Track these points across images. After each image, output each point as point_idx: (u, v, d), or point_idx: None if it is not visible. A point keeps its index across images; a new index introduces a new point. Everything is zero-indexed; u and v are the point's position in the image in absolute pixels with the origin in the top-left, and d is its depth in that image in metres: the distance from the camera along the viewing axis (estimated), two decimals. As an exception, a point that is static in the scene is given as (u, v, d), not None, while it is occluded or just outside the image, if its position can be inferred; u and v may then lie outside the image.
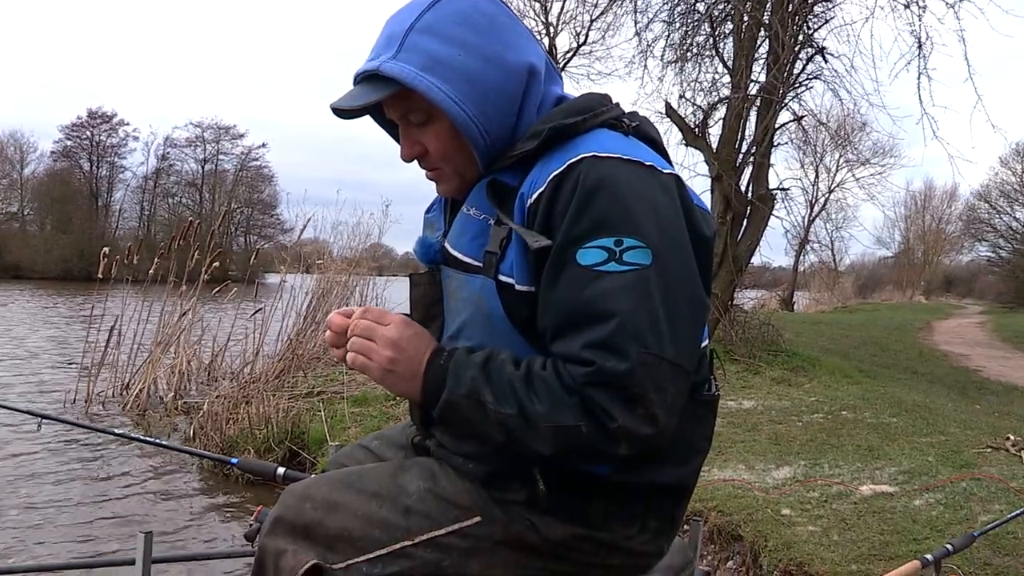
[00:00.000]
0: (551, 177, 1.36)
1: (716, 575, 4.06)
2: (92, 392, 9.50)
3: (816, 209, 35.45)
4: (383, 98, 1.43)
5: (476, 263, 1.46)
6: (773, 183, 11.33)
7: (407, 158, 1.52)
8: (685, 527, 2.12)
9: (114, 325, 9.89)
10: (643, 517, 1.47)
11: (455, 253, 1.51)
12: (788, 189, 11.81)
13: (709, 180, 10.98)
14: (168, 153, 55.82)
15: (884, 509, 4.44)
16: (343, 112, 1.50)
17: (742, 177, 11.03)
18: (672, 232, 1.34)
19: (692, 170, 12.08)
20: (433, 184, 1.58)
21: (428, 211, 1.70)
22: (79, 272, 40.99)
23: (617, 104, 1.52)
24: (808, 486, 4.86)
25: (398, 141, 1.56)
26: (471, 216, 1.49)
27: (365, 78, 1.44)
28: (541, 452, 1.33)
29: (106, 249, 10.20)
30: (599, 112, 1.45)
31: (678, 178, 1.42)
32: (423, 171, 1.55)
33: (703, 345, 1.50)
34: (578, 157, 1.35)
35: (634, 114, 1.51)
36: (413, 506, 1.49)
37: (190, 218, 11.28)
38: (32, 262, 44.57)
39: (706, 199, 10.92)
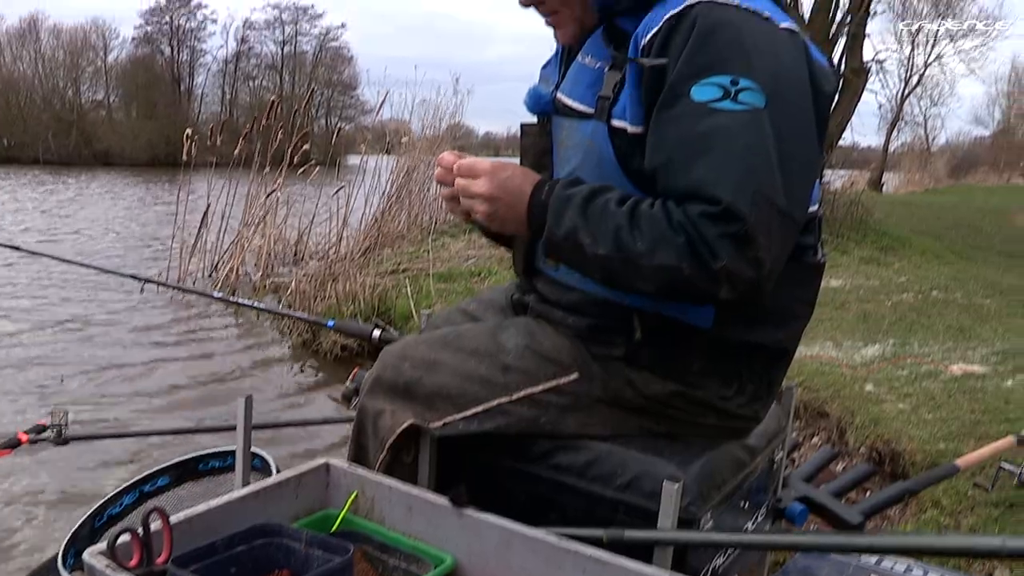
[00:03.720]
0: (667, 16, 1.33)
1: (801, 449, 4.06)
2: (184, 271, 9.78)
3: (911, 84, 33.96)
4: None
5: (588, 109, 1.44)
6: (867, 55, 10.85)
7: (526, 2, 1.51)
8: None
9: (207, 209, 10.10)
10: (740, 378, 1.46)
11: (568, 101, 1.49)
12: (884, 61, 11.30)
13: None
14: (247, 36, 55.82)
15: (975, 389, 4.36)
16: None
17: (835, 48, 10.56)
18: (788, 79, 1.31)
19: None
20: (552, 34, 1.57)
21: (544, 67, 1.69)
22: (165, 157, 41.74)
23: None
24: (897, 364, 4.78)
25: None
26: (586, 65, 1.47)
27: None
28: (643, 290, 1.32)
29: (188, 130, 10.32)
30: None
31: (796, 32, 1.37)
32: (542, 19, 1.54)
33: (813, 209, 1.45)
34: (695, 0, 1.32)
35: None
36: (511, 363, 1.50)
37: (272, 99, 11.32)
38: (120, 149, 45.52)
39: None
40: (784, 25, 1.36)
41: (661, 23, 1.34)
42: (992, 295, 7.19)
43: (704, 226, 1.23)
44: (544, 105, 1.56)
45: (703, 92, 1.27)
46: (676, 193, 1.29)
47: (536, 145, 1.57)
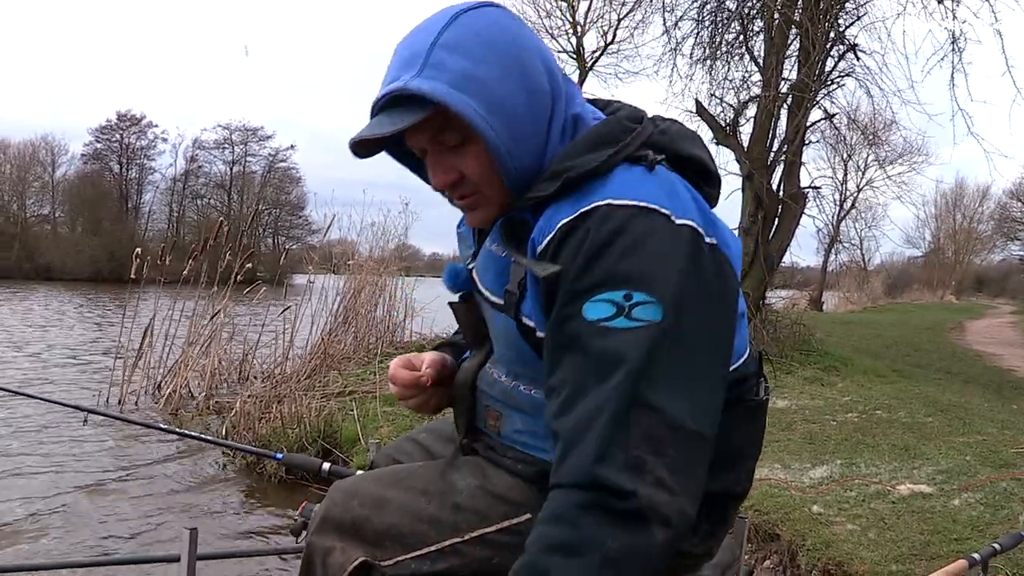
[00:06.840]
0: (561, 224, 1.28)
1: (755, 575, 4.02)
2: (126, 392, 9.57)
3: (846, 208, 35.25)
4: (420, 120, 1.28)
5: (499, 300, 1.40)
6: (804, 181, 11.26)
7: (441, 186, 1.39)
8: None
9: (148, 326, 9.96)
10: (696, 522, 1.44)
11: (480, 287, 1.46)
12: (820, 187, 11.73)
13: (740, 179, 10.93)
14: (196, 155, 56.31)
15: (923, 509, 4.39)
16: (363, 147, 1.37)
17: (773, 175, 10.97)
18: (686, 286, 1.23)
19: (724, 168, 12.04)
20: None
21: (459, 225, 1.61)
22: (109, 273, 41.43)
23: (644, 118, 1.42)
24: (845, 485, 4.81)
25: (416, 172, 1.48)
26: (493, 252, 1.42)
27: (385, 105, 1.31)
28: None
29: (138, 250, 10.29)
30: (622, 147, 1.34)
31: (695, 227, 1.28)
32: (454, 200, 1.43)
33: (743, 359, 1.44)
34: (591, 206, 1.26)
35: (665, 131, 1.41)
36: (463, 503, 1.48)
37: (220, 219, 11.35)
38: (63, 263, 45.03)
39: (737, 198, 11.03)
40: (679, 221, 1.26)
41: (555, 230, 1.28)
42: (934, 413, 7.31)
43: (599, 467, 1.17)
44: (463, 284, 1.53)
45: (595, 310, 1.22)
46: (562, 433, 1.23)
47: (469, 320, 1.55)
